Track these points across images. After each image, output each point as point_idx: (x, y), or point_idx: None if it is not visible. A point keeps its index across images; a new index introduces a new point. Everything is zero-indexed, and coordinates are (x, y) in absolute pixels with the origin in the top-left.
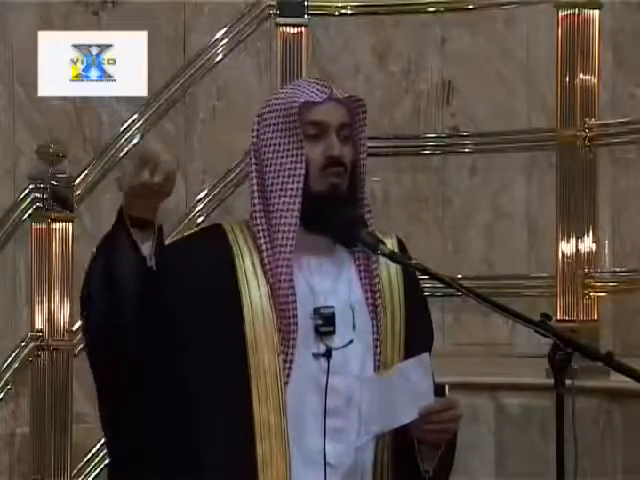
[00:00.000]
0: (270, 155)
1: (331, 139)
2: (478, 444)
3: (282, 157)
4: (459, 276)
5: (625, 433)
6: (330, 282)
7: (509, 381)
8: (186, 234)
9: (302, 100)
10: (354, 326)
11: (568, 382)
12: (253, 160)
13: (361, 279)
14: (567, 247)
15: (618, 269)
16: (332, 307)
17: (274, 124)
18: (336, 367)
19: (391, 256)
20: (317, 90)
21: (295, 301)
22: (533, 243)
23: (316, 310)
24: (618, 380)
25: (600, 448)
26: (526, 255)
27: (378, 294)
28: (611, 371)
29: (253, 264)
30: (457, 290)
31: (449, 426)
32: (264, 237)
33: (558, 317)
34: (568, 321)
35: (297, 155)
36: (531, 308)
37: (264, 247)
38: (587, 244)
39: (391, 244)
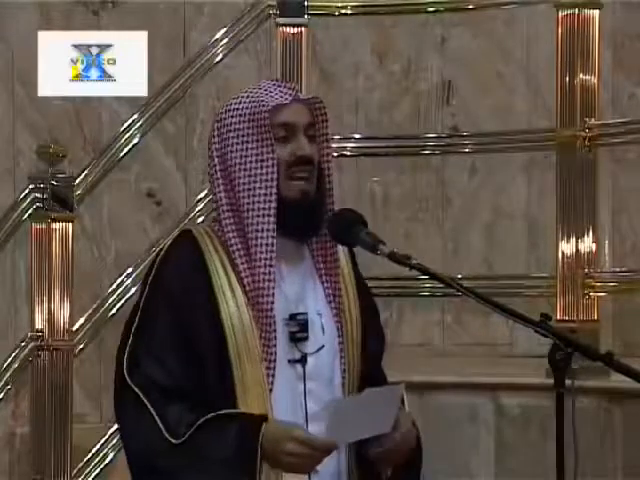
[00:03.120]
0: (238, 161)
1: (300, 139)
2: (478, 444)
3: (252, 162)
4: (459, 276)
5: (625, 433)
6: (299, 288)
7: (509, 381)
8: (163, 251)
9: (272, 104)
10: (323, 331)
11: (568, 382)
12: (218, 167)
13: (323, 283)
14: (567, 247)
15: (618, 269)
16: (306, 314)
17: (240, 129)
18: (310, 373)
19: (390, 256)
20: (282, 92)
21: (273, 309)
22: (533, 243)
23: (292, 317)
24: (618, 380)
25: (600, 448)
26: (526, 255)
27: (340, 299)
28: (611, 371)
29: (226, 272)
30: (457, 290)
31: (399, 458)
32: (235, 237)
33: (558, 317)
34: (568, 321)
35: (268, 160)
36: (531, 308)
37: (237, 255)
38: (587, 244)
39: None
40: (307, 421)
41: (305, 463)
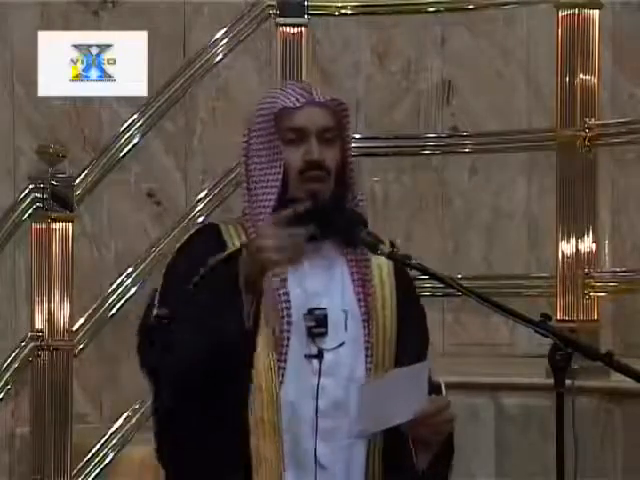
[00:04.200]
0: (256, 160)
1: (311, 143)
2: (478, 444)
3: (264, 164)
4: (459, 276)
5: (625, 433)
6: (323, 284)
7: (509, 381)
8: (185, 238)
9: (281, 106)
10: (346, 328)
11: (568, 382)
12: (244, 166)
13: (354, 281)
14: (567, 247)
15: (618, 269)
16: (325, 309)
17: (258, 129)
18: (327, 369)
19: (391, 256)
20: (297, 95)
21: (289, 301)
22: (533, 243)
23: (310, 311)
24: (618, 380)
25: (600, 448)
26: (526, 255)
27: (370, 297)
28: (611, 371)
29: None
30: (457, 290)
31: (442, 428)
32: (255, 233)
33: (558, 317)
34: (568, 321)
35: (276, 162)
36: (531, 308)
37: None
38: (587, 244)
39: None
40: (317, 417)
41: (276, 244)
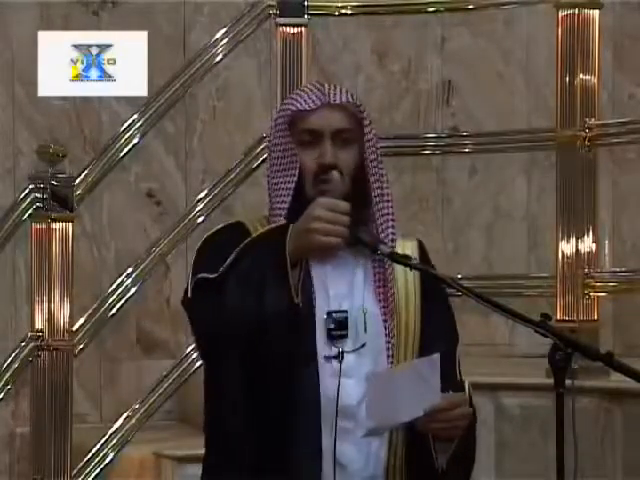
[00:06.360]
0: (275, 162)
1: (324, 146)
2: (478, 444)
3: (283, 166)
4: (459, 276)
5: (625, 433)
6: (345, 286)
7: (509, 381)
8: (212, 231)
9: (295, 108)
10: (366, 330)
11: (568, 382)
12: (268, 164)
13: (375, 282)
14: (567, 247)
15: (618, 269)
16: (345, 311)
17: (277, 131)
18: (348, 370)
19: (390, 256)
20: (313, 96)
21: (314, 306)
22: (533, 243)
23: (329, 314)
24: (618, 380)
25: (600, 448)
26: (526, 255)
27: (392, 298)
28: (611, 371)
29: None
30: (457, 290)
31: (456, 423)
32: None
33: (558, 317)
34: (568, 321)
35: (292, 164)
36: (531, 308)
37: None
38: (587, 244)
39: (411, 247)
40: (337, 415)
41: (328, 228)
